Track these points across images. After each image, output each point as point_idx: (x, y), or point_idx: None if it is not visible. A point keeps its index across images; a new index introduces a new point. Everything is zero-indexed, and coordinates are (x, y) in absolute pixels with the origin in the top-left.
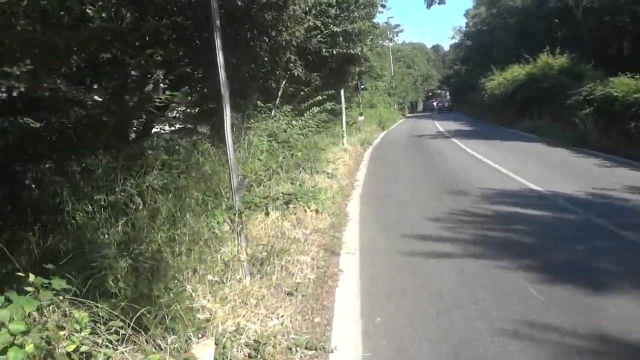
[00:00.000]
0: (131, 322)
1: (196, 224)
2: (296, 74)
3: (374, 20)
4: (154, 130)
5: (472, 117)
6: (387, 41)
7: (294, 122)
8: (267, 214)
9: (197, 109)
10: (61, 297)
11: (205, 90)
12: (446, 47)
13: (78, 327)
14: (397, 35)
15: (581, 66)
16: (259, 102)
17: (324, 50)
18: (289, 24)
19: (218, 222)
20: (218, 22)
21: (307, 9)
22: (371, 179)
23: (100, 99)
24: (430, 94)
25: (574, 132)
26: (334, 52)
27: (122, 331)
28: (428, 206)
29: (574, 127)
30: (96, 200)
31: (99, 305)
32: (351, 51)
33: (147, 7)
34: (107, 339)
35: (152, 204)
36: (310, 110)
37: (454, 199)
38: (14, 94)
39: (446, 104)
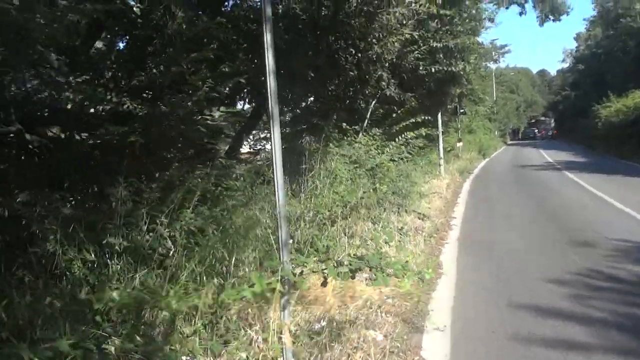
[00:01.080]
0: None
1: (223, 291)
2: (388, 94)
3: (478, 37)
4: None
5: (583, 146)
6: (491, 63)
7: (384, 148)
8: (324, 284)
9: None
10: None
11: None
12: (553, 72)
13: None
14: (503, 57)
15: None
16: (344, 124)
17: (421, 68)
18: (381, 35)
19: (254, 293)
20: (268, 10)
21: (403, 20)
22: (472, 218)
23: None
24: (533, 120)
25: None
26: (433, 69)
27: None
28: (547, 262)
29: None
30: (108, 244)
31: None
32: (452, 69)
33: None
34: None
35: (183, 251)
36: (403, 135)
37: (579, 252)
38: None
39: (550, 132)
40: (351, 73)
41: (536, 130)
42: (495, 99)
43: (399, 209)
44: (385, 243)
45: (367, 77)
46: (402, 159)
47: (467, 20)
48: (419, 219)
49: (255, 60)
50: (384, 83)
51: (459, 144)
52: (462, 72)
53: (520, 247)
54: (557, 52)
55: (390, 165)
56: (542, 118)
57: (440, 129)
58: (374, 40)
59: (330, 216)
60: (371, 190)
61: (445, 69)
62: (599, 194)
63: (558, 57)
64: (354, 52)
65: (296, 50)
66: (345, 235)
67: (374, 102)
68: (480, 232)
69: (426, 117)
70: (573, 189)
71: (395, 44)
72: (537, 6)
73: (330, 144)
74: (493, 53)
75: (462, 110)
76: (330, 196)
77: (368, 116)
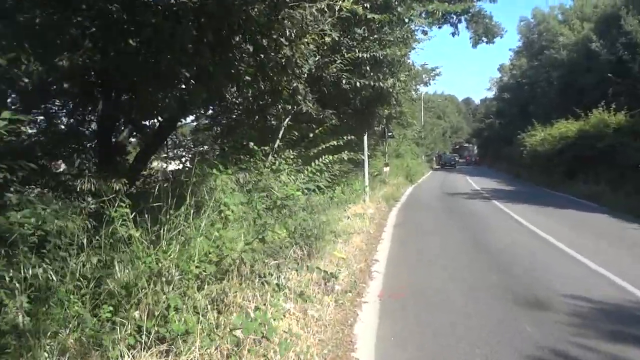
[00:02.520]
0: None
1: None
2: (305, 110)
3: (410, 52)
4: None
5: (508, 174)
6: (421, 85)
7: (299, 174)
8: None
9: None
10: None
11: None
12: (477, 101)
13: None
14: (434, 79)
15: None
16: (250, 144)
17: (344, 82)
18: (292, 33)
19: None
20: None
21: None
22: (397, 261)
23: None
24: (457, 146)
25: None
26: (358, 84)
27: None
28: (496, 335)
29: None
30: None
31: None
32: (380, 84)
33: None
34: None
35: None
36: (322, 159)
37: (532, 318)
38: None
39: (473, 159)
40: (249, 79)
41: (457, 157)
42: (423, 123)
43: (298, 263)
44: (274, 320)
45: (278, 88)
46: (318, 187)
47: (398, 29)
48: (325, 279)
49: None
50: (299, 97)
51: (386, 169)
52: (391, 90)
53: (460, 309)
54: (481, 82)
55: (300, 197)
56: (466, 145)
57: (367, 152)
58: (282, 39)
59: (198, 276)
60: (259, 238)
61: (373, 84)
62: (536, 230)
63: (482, 87)
64: (252, 50)
65: (170, 42)
66: (215, 307)
67: (287, 119)
68: (407, 282)
69: (351, 138)
70: (506, 222)
71: (311, 46)
72: (471, 27)
73: (215, 170)
74: (424, 76)
75: (390, 134)
76: (205, 244)
77: (280, 136)
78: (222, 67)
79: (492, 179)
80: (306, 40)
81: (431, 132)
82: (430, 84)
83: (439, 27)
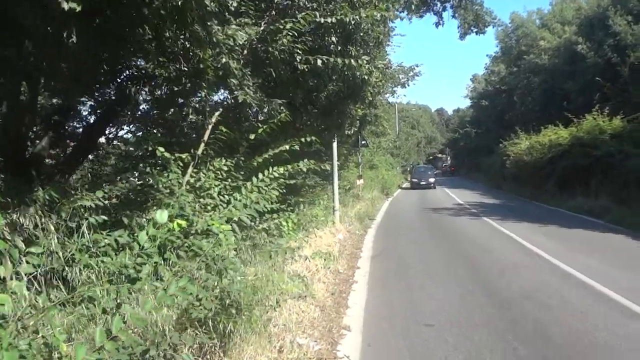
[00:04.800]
0: None
1: None
2: (240, 99)
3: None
4: None
5: (488, 185)
6: (398, 87)
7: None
8: None
9: None
10: None
11: None
12: (450, 111)
13: None
14: (413, 80)
15: None
16: (159, 149)
17: (298, 60)
18: None
19: None
20: None
21: None
22: (378, 322)
23: None
24: (431, 157)
25: None
26: (319, 62)
27: None
28: None
29: None
30: None
31: None
32: (351, 62)
33: None
34: None
35: None
36: (271, 172)
37: None
38: None
39: (448, 169)
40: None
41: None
42: (397, 132)
43: None
44: None
45: (200, 66)
46: (260, 213)
47: None
48: None
49: None
50: (233, 81)
51: (360, 182)
52: (366, 78)
53: None
54: (454, 93)
55: (226, 233)
56: (439, 155)
57: (336, 161)
58: None
59: None
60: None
61: (341, 62)
62: (562, 266)
63: (455, 98)
64: None
65: None
66: None
67: (216, 113)
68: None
69: (312, 139)
70: (509, 247)
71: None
72: (458, 14)
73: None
74: (401, 76)
75: (363, 142)
76: None
77: (206, 138)
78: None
79: (473, 190)
80: None
81: (406, 142)
82: (408, 85)
83: (421, 17)
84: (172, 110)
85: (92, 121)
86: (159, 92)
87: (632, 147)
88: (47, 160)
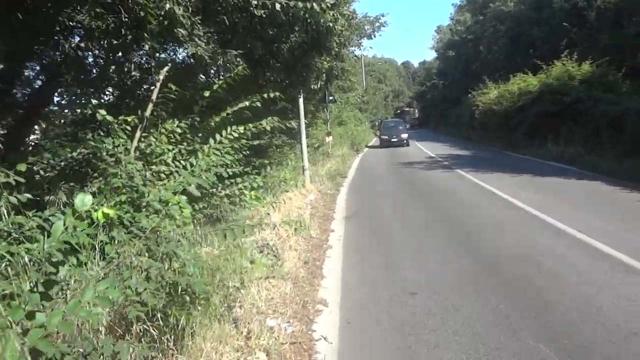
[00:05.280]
0: None
1: None
2: (190, 52)
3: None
4: None
5: (456, 137)
6: (364, 39)
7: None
8: None
9: None
10: None
11: None
12: (416, 64)
13: None
14: (379, 30)
15: (610, 76)
16: (100, 112)
17: (254, 5)
18: None
19: None
20: None
21: None
22: (358, 291)
23: None
24: (399, 111)
25: None
26: (277, 5)
27: None
28: None
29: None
30: None
31: None
32: (314, 6)
33: None
34: None
35: None
36: (230, 131)
37: None
38: None
39: (416, 122)
40: None
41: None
42: (365, 87)
43: None
44: None
45: (141, 14)
46: (221, 178)
47: None
48: None
49: None
50: (181, 31)
51: (329, 139)
52: (331, 25)
53: None
54: (419, 44)
55: (182, 205)
56: (407, 109)
57: (303, 119)
58: None
59: None
60: None
61: (303, 6)
62: (533, 211)
63: (420, 50)
64: None
65: None
66: None
67: (164, 69)
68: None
69: (276, 94)
70: (491, 202)
71: None
72: None
73: None
74: (366, 27)
75: (331, 98)
76: None
77: (154, 97)
78: None
79: (442, 143)
80: None
81: (373, 96)
82: (374, 36)
83: None
84: (111, 67)
85: (37, 87)
86: (96, 49)
87: (600, 92)
88: None
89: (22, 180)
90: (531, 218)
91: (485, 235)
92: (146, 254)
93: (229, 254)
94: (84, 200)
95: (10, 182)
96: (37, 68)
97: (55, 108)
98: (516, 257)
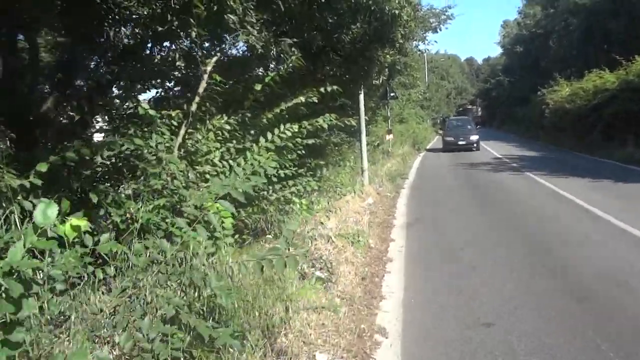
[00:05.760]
0: None
1: None
2: (242, 41)
3: None
4: None
5: (522, 137)
6: (429, 33)
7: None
8: None
9: None
10: None
11: None
12: (480, 60)
13: None
14: (445, 23)
15: None
16: (143, 107)
17: None
18: None
19: None
20: None
21: None
22: (422, 317)
23: None
24: (461, 109)
25: None
26: None
27: None
28: None
29: None
30: None
31: None
32: None
33: None
34: None
35: None
36: (283, 129)
37: None
38: None
39: (480, 120)
40: None
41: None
42: (427, 83)
43: None
44: None
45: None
46: (271, 182)
47: None
48: None
49: None
50: (232, 17)
51: (389, 137)
52: (397, 12)
53: None
54: (484, 41)
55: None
56: (470, 106)
57: (363, 116)
58: None
59: None
60: None
61: None
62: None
63: (485, 46)
64: None
65: None
66: None
67: (214, 59)
68: None
69: (335, 88)
70: (565, 210)
71: None
72: None
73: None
74: (431, 20)
75: (392, 94)
76: None
77: (201, 90)
78: None
79: (508, 142)
80: None
81: (436, 93)
82: (440, 30)
83: None
84: (157, 57)
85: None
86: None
87: None
88: (63, 120)
89: (38, 182)
90: (621, 233)
91: (568, 252)
92: (167, 285)
93: (272, 277)
94: (45, 211)
95: (25, 185)
96: (98, 60)
97: (117, 101)
98: (604, 279)
